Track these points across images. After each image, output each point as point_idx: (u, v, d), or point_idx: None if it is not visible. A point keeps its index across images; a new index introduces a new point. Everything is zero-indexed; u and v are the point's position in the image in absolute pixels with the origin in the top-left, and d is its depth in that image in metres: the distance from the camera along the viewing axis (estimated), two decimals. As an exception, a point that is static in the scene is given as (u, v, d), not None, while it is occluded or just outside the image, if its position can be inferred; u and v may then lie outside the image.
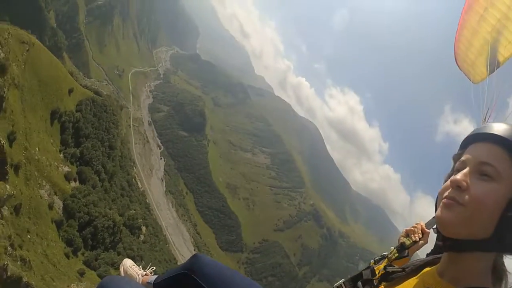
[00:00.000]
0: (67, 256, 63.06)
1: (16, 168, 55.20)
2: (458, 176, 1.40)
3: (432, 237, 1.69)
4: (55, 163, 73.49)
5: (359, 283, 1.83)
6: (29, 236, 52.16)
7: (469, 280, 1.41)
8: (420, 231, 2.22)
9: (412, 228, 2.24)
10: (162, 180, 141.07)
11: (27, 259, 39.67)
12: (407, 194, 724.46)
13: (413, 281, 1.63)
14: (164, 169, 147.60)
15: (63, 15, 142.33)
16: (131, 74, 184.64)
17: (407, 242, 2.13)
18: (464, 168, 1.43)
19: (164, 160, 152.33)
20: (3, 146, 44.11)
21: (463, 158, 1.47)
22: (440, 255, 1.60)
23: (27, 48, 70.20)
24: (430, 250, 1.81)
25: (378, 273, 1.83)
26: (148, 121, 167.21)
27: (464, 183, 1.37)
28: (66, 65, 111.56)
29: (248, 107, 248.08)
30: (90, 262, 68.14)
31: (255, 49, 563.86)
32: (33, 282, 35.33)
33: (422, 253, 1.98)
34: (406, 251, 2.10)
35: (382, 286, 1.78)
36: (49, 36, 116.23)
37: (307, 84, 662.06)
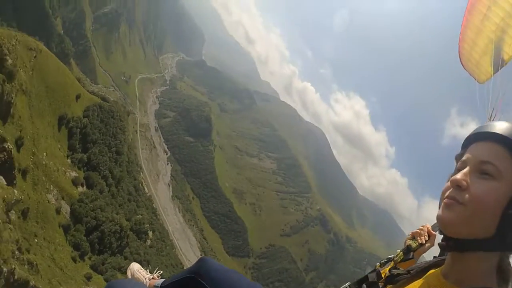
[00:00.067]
0: (74, 260, 63.16)
1: (24, 173, 55.52)
2: (458, 175, 1.40)
3: (439, 239, 1.66)
4: (63, 168, 73.87)
5: (364, 286, 1.83)
6: (36, 240, 52.36)
7: (473, 280, 1.41)
8: (426, 234, 2.18)
9: (418, 231, 2.21)
10: (169, 185, 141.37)
11: (35, 263, 39.78)
12: (414, 198, 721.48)
13: (418, 283, 1.62)
14: (171, 174, 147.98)
15: (70, 22, 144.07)
16: (138, 80, 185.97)
17: (413, 245, 2.11)
18: (465, 167, 1.43)
19: (171, 166, 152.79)
20: (11, 151, 44.40)
21: (464, 157, 1.47)
22: (445, 256, 1.60)
23: (34, 55, 70.81)
24: (438, 253, 1.80)
25: (384, 276, 1.83)
26: (155, 126, 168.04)
27: (464, 183, 1.37)
28: (73, 71, 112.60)
29: (254, 113, 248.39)
30: (97, 266, 68.18)
31: (261, 55, 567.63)
32: (40, 286, 35.42)
33: (429, 256, 1.96)
34: (411, 253, 2.07)
35: None
36: (56, 42, 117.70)
37: (312, 89, 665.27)
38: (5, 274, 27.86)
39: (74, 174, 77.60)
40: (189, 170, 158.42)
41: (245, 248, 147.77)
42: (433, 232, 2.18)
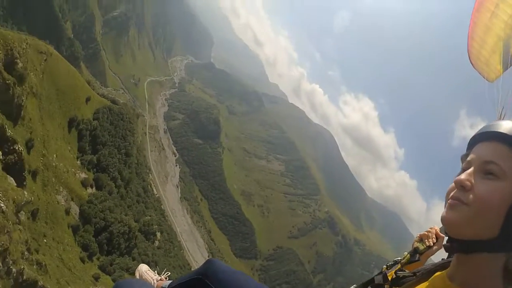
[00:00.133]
0: (83, 261, 63.56)
1: (34, 175, 56.12)
2: (462, 176, 1.39)
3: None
4: (72, 169, 74.50)
5: None
6: (45, 241, 52.79)
7: (478, 282, 1.40)
8: (434, 236, 2.14)
9: (426, 233, 2.17)
10: (177, 187, 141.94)
11: (43, 263, 40.14)
12: (423, 200, 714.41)
13: (423, 285, 1.62)
14: (179, 176, 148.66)
15: (79, 26, 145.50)
16: (147, 83, 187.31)
17: (421, 247, 2.08)
18: (470, 168, 1.42)
19: (179, 167, 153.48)
20: (21, 153, 44.93)
21: (468, 158, 1.46)
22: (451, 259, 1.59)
23: (45, 58, 71.54)
24: (446, 256, 1.76)
25: (390, 278, 1.82)
26: (164, 129, 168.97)
27: (468, 183, 1.36)
28: (83, 74, 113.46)
29: (263, 115, 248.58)
30: (105, 267, 68.51)
31: (269, 58, 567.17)
32: (49, 286, 35.71)
33: (438, 259, 1.91)
34: (417, 255, 2.05)
35: None
36: (66, 46, 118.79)
37: (321, 91, 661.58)
38: (14, 275, 28.16)
39: (83, 175, 78.20)
40: (198, 172, 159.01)
41: (253, 250, 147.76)
42: (441, 235, 2.11)
